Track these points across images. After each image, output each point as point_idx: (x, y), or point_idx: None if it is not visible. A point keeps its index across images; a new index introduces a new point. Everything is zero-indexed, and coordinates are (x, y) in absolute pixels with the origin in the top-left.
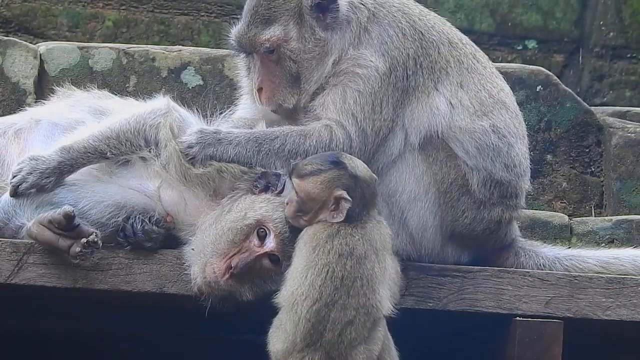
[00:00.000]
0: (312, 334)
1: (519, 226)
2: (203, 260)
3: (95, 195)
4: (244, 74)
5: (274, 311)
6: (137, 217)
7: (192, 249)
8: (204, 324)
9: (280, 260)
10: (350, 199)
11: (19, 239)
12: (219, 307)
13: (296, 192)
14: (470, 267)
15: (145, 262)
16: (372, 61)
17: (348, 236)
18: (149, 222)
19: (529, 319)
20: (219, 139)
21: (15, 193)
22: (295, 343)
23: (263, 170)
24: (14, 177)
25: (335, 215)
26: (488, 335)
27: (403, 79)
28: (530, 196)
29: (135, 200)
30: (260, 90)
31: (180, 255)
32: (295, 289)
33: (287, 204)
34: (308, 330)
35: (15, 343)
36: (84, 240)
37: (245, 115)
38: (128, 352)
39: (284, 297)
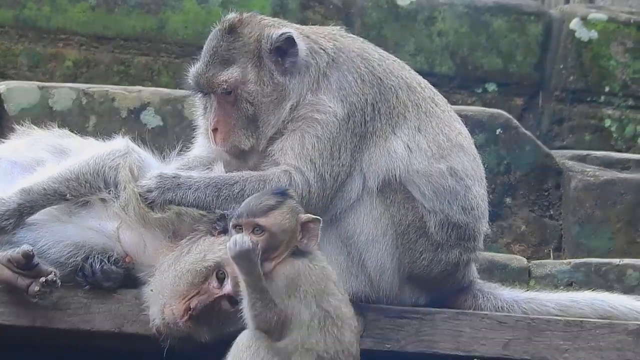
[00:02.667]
0: None
1: (477, 268)
2: (162, 301)
3: (55, 235)
4: (200, 112)
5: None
6: (96, 256)
7: (151, 290)
8: None
9: (238, 302)
10: (320, 218)
11: None
12: (177, 348)
13: (263, 230)
14: (429, 309)
15: (103, 301)
16: (330, 107)
17: (314, 270)
18: (108, 262)
19: None
20: (179, 184)
21: None
22: None
23: (222, 212)
24: None
25: (309, 240)
26: None
27: (361, 124)
28: (488, 239)
29: (94, 240)
30: (215, 130)
31: (139, 295)
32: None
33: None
34: None
35: None
36: (42, 279)
37: (201, 153)
38: None
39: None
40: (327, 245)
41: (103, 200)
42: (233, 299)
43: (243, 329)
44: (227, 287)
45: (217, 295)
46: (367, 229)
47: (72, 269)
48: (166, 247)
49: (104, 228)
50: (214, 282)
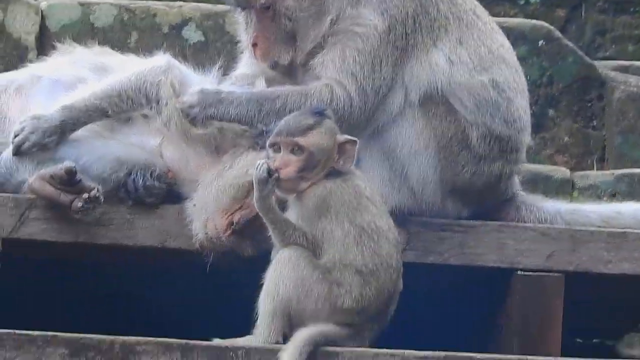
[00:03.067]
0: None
1: (520, 180)
2: (205, 216)
3: (97, 151)
4: (242, 28)
5: None
6: (139, 172)
7: (194, 205)
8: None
9: None
10: (357, 139)
11: (20, 194)
12: (220, 263)
13: (302, 150)
14: (472, 221)
15: (146, 217)
16: (371, 20)
17: (347, 189)
18: (151, 177)
19: (530, 273)
20: (220, 99)
21: (17, 152)
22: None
23: (264, 127)
24: (15, 136)
25: (345, 161)
26: (489, 290)
27: (402, 37)
28: (531, 150)
29: (136, 156)
30: (255, 45)
31: (182, 211)
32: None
33: (281, 167)
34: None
35: (19, 302)
36: (85, 195)
37: (246, 71)
38: (130, 311)
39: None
40: (369, 158)
41: (145, 116)
42: None
43: None
44: None
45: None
46: (409, 142)
47: (114, 185)
48: (208, 162)
49: (147, 144)
50: None
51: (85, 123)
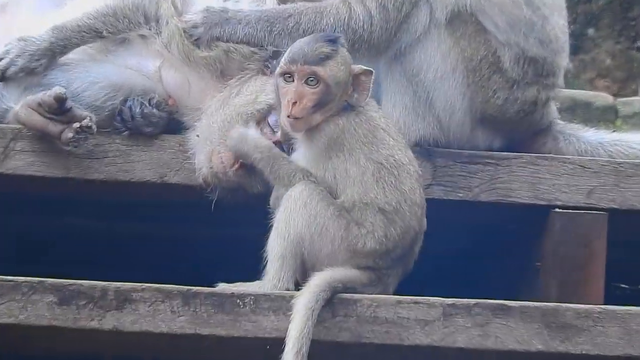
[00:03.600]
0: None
1: (557, 108)
2: (209, 148)
3: (90, 75)
4: None
5: None
6: (136, 99)
7: (197, 136)
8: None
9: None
10: (373, 70)
11: (5, 123)
12: (226, 200)
13: (318, 80)
14: (504, 153)
15: (144, 149)
16: None
17: (360, 124)
18: (149, 104)
19: (569, 211)
20: (227, 18)
21: (2, 77)
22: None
23: (275, 49)
24: (0, 59)
25: (360, 95)
26: (523, 229)
27: None
28: (570, 74)
29: (133, 81)
30: None
31: (184, 142)
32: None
33: (296, 102)
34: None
35: (2, 244)
36: (76, 124)
37: None
38: (124, 249)
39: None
40: (390, 84)
41: (143, 37)
42: (288, 145)
43: None
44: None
45: (271, 142)
46: (435, 65)
47: (109, 113)
48: (213, 87)
49: (145, 67)
50: (266, 127)
51: (77, 45)
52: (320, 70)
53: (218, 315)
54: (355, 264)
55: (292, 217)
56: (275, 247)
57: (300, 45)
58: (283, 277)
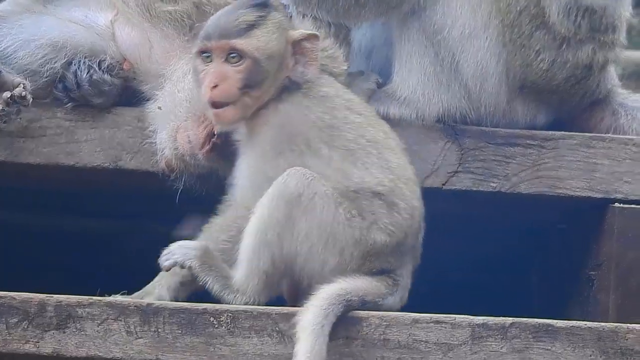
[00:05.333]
0: None
1: (618, 74)
2: (174, 124)
3: (24, 31)
4: None
5: None
6: (83, 61)
7: (159, 108)
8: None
9: None
10: (318, 33)
11: None
12: (193, 188)
13: (242, 56)
14: (550, 132)
15: (93, 125)
16: None
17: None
18: (99, 69)
19: (633, 206)
20: None
21: None
22: None
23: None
24: None
25: (306, 66)
26: (574, 229)
27: None
28: (634, 30)
29: (79, 39)
30: None
31: (142, 117)
32: None
33: (216, 85)
34: None
35: None
36: (6, 94)
37: None
38: (67, 251)
39: None
40: (405, 45)
41: None
42: None
43: None
44: None
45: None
46: (462, 20)
47: (48, 79)
48: (180, 48)
49: (94, 21)
50: None
51: None
52: (241, 43)
53: (186, 337)
54: (368, 269)
55: (287, 223)
56: (253, 248)
57: (217, 16)
58: (262, 294)
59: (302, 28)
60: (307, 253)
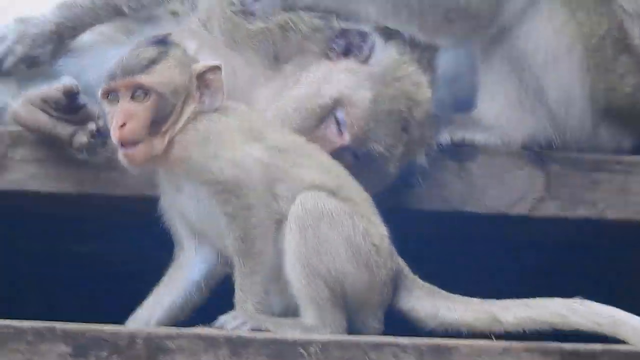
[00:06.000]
0: None
1: None
2: None
3: (108, 63)
4: None
5: None
6: None
7: None
8: None
9: (368, 156)
10: (220, 64)
11: (0, 125)
12: None
13: (147, 92)
14: (638, 157)
15: None
16: None
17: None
18: None
19: None
20: None
21: None
22: None
23: (343, 27)
24: None
25: (213, 96)
26: None
27: None
28: None
29: None
30: None
31: None
32: None
33: (124, 123)
34: None
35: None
36: (92, 126)
37: None
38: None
39: None
40: (490, 70)
41: (174, 13)
42: (359, 151)
43: (373, 193)
44: (345, 135)
45: (337, 145)
46: (546, 44)
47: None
48: (264, 75)
49: None
50: (332, 127)
51: (91, 25)
52: (145, 78)
53: None
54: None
55: (322, 243)
56: (313, 289)
57: (119, 57)
58: (337, 321)
59: (383, 56)
60: (355, 263)
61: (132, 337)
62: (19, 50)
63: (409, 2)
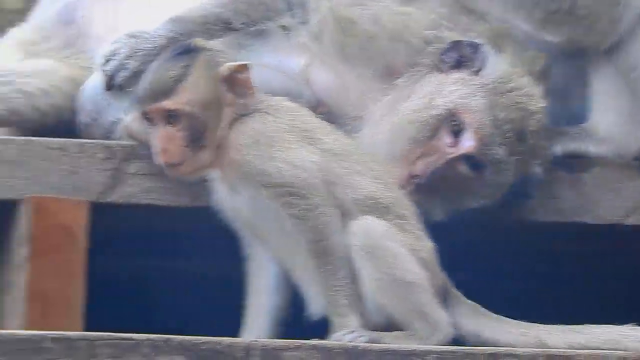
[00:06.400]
0: None
1: None
2: None
3: None
4: None
5: None
6: None
7: None
8: None
9: (483, 166)
10: (248, 62)
11: (113, 139)
12: None
13: (177, 115)
14: None
15: None
16: None
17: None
18: None
19: None
20: None
21: (110, 85)
22: None
23: (454, 39)
24: (107, 61)
25: (246, 96)
26: None
27: None
28: None
29: (274, 85)
30: None
31: None
32: None
33: (165, 147)
34: None
35: (114, 291)
36: None
37: None
38: None
39: None
40: (602, 83)
41: (285, 27)
42: (474, 161)
43: (487, 203)
44: (466, 144)
45: (451, 156)
46: None
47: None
48: (376, 89)
49: (288, 66)
50: (445, 137)
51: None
52: (171, 103)
53: None
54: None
55: (393, 258)
56: (408, 300)
57: (146, 76)
58: (447, 317)
59: (495, 67)
60: (423, 266)
61: (248, 349)
62: (132, 65)
63: None
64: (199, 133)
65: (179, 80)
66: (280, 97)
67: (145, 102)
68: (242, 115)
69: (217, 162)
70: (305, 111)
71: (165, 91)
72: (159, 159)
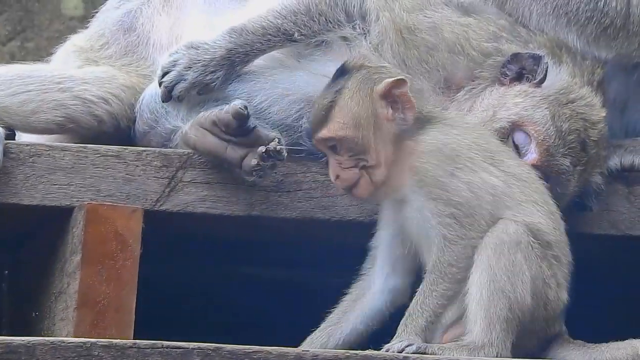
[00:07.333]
0: None
1: None
2: None
3: (278, 86)
4: None
5: None
6: None
7: None
8: None
9: (548, 177)
10: (405, 76)
11: (170, 147)
12: None
13: (334, 142)
14: None
15: None
16: None
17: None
18: None
19: None
20: None
21: (169, 96)
22: None
23: (514, 52)
24: (165, 73)
25: (405, 111)
26: None
27: None
28: None
29: None
30: None
31: None
32: None
33: (338, 175)
34: None
35: (166, 298)
36: (262, 148)
37: None
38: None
39: None
40: (638, 87)
41: (345, 38)
42: (539, 173)
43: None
44: (530, 156)
45: None
46: None
47: (302, 134)
48: (436, 101)
49: None
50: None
51: (262, 52)
52: (327, 132)
53: None
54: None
55: (514, 268)
56: (495, 305)
57: (312, 107)
58: (506, 344)
59: (555, 79)
60: (532, 300)
61: (299, 359)
62: (191, 76)
63: (570, 7)
64: (361, 151)
65: (330, 107)
66: (456, 112)
67: (310, 136)
68: (402, 132)
69: (394, 179)
70: (486, 130)
71: (321, 121)
72: (336, 187)
